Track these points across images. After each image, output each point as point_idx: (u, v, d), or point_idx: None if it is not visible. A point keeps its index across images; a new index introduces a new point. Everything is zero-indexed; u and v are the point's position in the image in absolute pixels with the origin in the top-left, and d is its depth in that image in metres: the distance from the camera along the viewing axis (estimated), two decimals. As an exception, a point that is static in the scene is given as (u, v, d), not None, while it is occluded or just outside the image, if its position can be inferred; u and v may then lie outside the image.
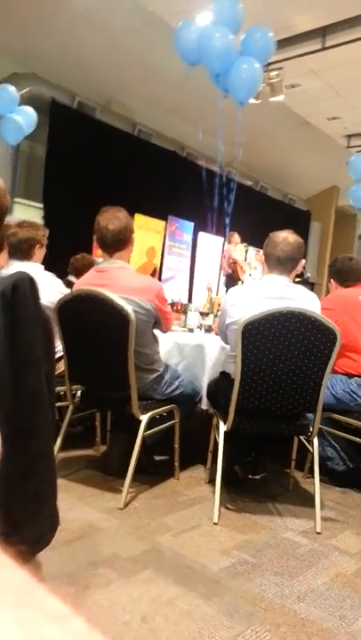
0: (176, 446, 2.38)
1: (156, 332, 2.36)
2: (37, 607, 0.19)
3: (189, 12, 4.89)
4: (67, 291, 2.49)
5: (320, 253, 11.32)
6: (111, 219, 2.23)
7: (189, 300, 6.08)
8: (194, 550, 1.72)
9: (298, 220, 10.33)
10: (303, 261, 2.36)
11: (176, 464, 2.39)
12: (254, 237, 8.03)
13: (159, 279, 7.86)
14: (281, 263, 2.20)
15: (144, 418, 2.12)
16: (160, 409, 2.26)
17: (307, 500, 2.26)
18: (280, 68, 5.79)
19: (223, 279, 6.76)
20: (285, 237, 2.21)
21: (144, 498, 2.14)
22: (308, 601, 1.48)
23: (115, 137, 7.18)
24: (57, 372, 2.67)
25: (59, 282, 2.71)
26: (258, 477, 2.45)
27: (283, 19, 5.26)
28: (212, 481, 2.30)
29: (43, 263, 2.72)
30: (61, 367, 2.44)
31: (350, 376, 2.54)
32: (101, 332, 2.11)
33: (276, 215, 9.16)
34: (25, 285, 1.28)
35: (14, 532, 1.19)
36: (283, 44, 5.45)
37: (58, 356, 2.66)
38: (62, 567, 1.52)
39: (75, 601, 1.34)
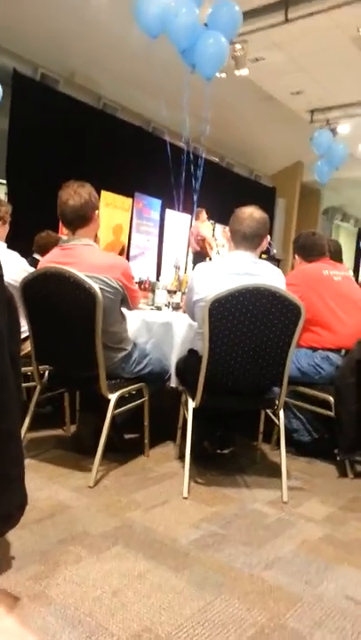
0: (145, 424, 2.40)
1: (124, 310, 2.34)
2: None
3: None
4: (31, 269, 2.43)
5: (285, 229, 11.42)
6: (72, 194, 2.17)
7: (157, 277, 6.06)
8: (164, 525, 1.75)
9: (263, 197, 10.35)
10: (268, 237, 2.37)
11: (146, 441, 2.41)
12: (221, 214, 8.00)
13: (127, 257, 7.79)
14: (247, 239, 2.20)
15: (113, 397, 2.12)
16: (129, 387, 2.26)
17: (274, 471, 2.32)
18: (244, 41, 5.71)
19: (191, 256, 6.75)
20: (251, 213, 2.21)
21: (114, 475, 2.15)
22: (275, 568, 1.53)
23: (79, 111, 6.98)
24: (23, 353, 2.63)
25: (23, 260, 2.65)
26: (226, 452, 2.49)
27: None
28: (181, 457, 2.33)
29: (6, 241, 2.65)
30: (28, 347, 2.41)
31: (315, 350, 2.59)
32: (68, 311, 2.08)
33: (242, 192, 9.14)
34: None
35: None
36: (246, 16, 5.36)
37: (24, 336, 2.62)
38: (33, 546, 1.52)
39: (45, 579, 1.35)
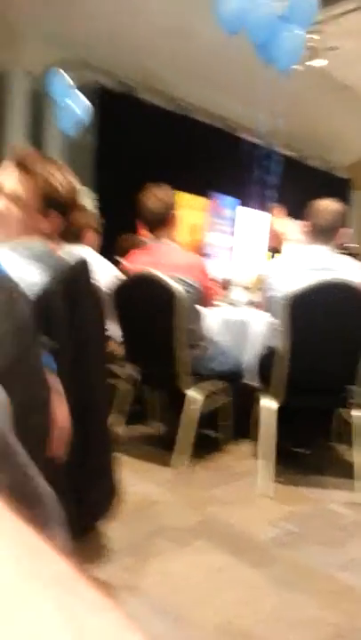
0: (226, 423, 2.49)
1: (200, 307, 2.43)
2: (79, 597, 0.18)
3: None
4: (122, 276, 2.59)
5: (361, 223, 10.92)
6: (151, 197, 2.30)
7: (233, 275, 6.10)
8: (243, 521, 1.85)
9: (338, 189, 9.98)
10: (350, 230, 2.33)
11: (225, 438, 2.51)
12: (295, 209, 7.85)
13: (203, 255, 7.88)
14: (323, 232, 2.19)
15: (192, 393, 2.22)
16: (207, 384, 2.34)
17: (351, 472, 2.33)
18: (319, 31, 5.55)
19: (268, 253, 6.72)
20: (327, 206, 2.21)
21: (196, 471, 2.28)
22: (351, 570, 1.58)
23: (154, 114, 7.13)
24: (116, 353, 2.81)
25: (114, 268, 2.82)
26: (304, 450, 2.53)
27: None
28: (259, 454, 2.40)
29: (96, 249, 2.81)
30: (111, 347, 2.56)
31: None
32: (153, 313, 2.21)
33: (318, 185, 8.88)
34: (84, 271, 1.37)
35: (78, 502, 1.32)
36: (321, 3, 5.21)
37: (110, 335, 2.80)
38: (124, 538, 1.68)
39: (136, 570, 1.49)
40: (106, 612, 0.18)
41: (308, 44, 5.46)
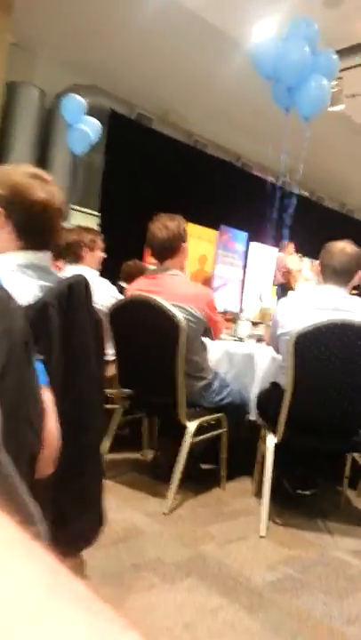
0: (223, 456, 2.35)
1: (206, 340, 2.35)
2: (103, 616, 0.19)
3: (247, 26, 4.91)
4: (120, 296, 2.52)
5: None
6: (161, 227, 2.24)
7: (240, 309, 6.03)
8: (239, 562, 1.68)
9: (356, 231, 10.05)
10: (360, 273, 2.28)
11: (223, 474, 2.36)
12: (309, 248, 7.87)
13: (210, 287, 7.85)
14: (337, 274, 2.14)
15: (191, 425, 2.11)
16: (207, 417, 2.24)
17: (359, 519, 2.17)
18: (340, 78, 5.70)
19: (276, 289, 6.68)
20: (343, 248, 2.16)
21: (189, 505, 2.12)
22: (358, 625, 1.41)
23: (171, 147, 7.28)
24: (109, 375, 2.71)
25: (113, 287, 2.75)
26: (307, 493, 2.37)
27: (344, 28, 5.19)
28: (258, 493, 2.25)
29: (97, 269, 2.76)
30: (111, 370, 2.47)
31: None
32: (152, 338, 2.12)
33: (332, 226, 8.95)
34: (80, 288, 1.31)
35: (62, 528, 1.20)
36: (343, 53, 5.37)
37: (108, 359, 2.70)
38: (106, 567, 1.52)
39: (117, 602, 1.33)
40: (129, 630, 0.19)
41: (330, 90, 5.60)
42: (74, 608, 0.18)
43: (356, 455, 2.23)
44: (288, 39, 4.25)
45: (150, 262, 4.14)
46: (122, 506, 2.01)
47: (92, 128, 5.45)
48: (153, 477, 2.33)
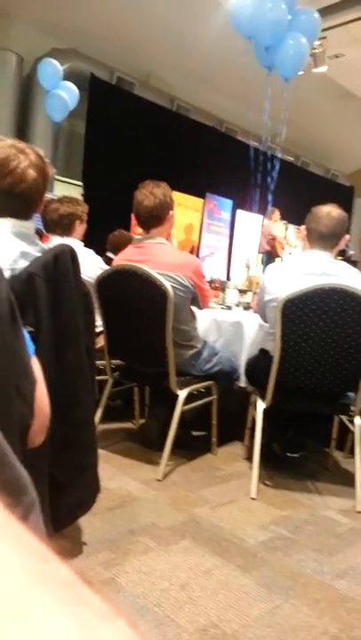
0: (213, 422, 2.39)
1: (194, 308, 2.35)
2: (89, 606, 0.18)
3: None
4: (106, 267, 2.50)
5: (364, 230, 10.96)
6: (147, 194, 2.20)
7: (228, 277, 6.03)
8: (231, 523, 1.73)
9: (340, 196, 9.99)
10: (347, 237, 2.28)
11: (214, 440, 2.40)
12: (294, 214, 7.81)
13: (197, 256, 7.81)
14: (323, 238, 2.14)
15: (182, 393, 2.13)
16: (198, 385, 2.26)
17: (347, 479, 2.23)
18: (323, 38, 5.56)
19: (262, 256, 6.67)
20: (329, 212, 2.14)
21: (182, 471, 2.16)
22: (347, 578, 1.47)
23: (153, 113, 7.09)
24: (97, 347, 2.71)
25: (98, 258, 2.73)
26: (296, 455, 2.43)
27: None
28: (249, 457, 2.30)
29: (82, 240, 2.74)
30: (101, 342, 2.47)
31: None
32: (140, 308, 2.11)
33: (317, 191, 8.88)
34: (66, 258, 1.30)
35: (58, 497, 1.22)
36: (326, 11, 5.22)
37: (98, 330, 2.70)
38: (103, 533, 1.56)
39: (115, 566, 1.37)
40: (115, 620, 0.18)
41: (312, 51, 5.47)
42: (58, 599, 0.17)
43: (343, 417, 2.27)
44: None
45: (136, 232, 4.09)
46: (116, 474, 2.05)
47: (69, 94, 5.29)
48: (145, 446, 2.36)
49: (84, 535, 1.53)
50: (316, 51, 5.61)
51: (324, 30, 5.45)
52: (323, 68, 5.82)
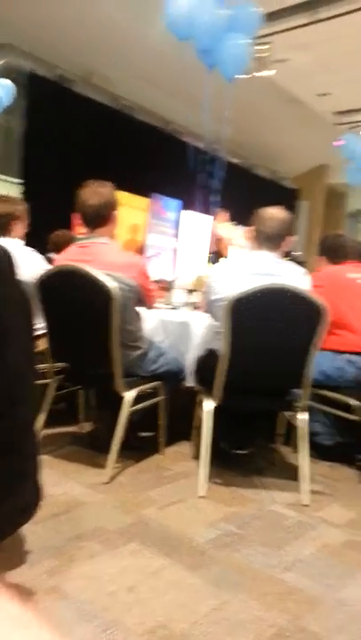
0: (161, 423, 2.37)
1: (140, 309, 2.32)
2: (3, 611, 0.18)
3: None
4: (48, 266, 2.43)
5: (309, 232, 11.29)
6: (92, 194, 2.16)
7: (174, 277, 6.03)
8: (180, 523, 1.71)
9: (286, 199, 10.25)
10: (293, 238, 2.33)
11: (161, 440, 2.38)
12: (242, 216, 7.91)
13: (143, 256, 7.78)
14: (269, 239, 2.17)
15: (129, 394, 2.10)
16: (145, 386, 2.24)
17: (293, 473, 2.26)
18: (269, 42, 5.67)
19: (209, 257, 6.73)
20: (274, 214, 2.18)
21: (129, 473, 2.13)
22: (295, 570, 1.49)
23: (96, 111, 7.01)
24: (39, 349, 2.63)
25: (40, 257, 2.65)
26: (244, 452, 2.45)
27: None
28: (197, 456, 2.29)
29: (23, 240, 2.66)
30: (43, 344, 2.40)
31: (338, 352, 2.54)
32: (84, 309, 2.06)
33: (264, 193, 9.04)
34: (2, 259, 1.24)
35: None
36: (272, 17, 5.32)
37: (39, 332, 2.62)
38: (48, 540, 1.50)
39: (60, 573, 1.32)
40: (30, 627, 0.18)
41: (257, 55, 5.57)
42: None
43: (288, 413, 2.31)
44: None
45: (79, 232, 4.02)
46: (61, 479, 1.99)
47: (4, 90, 5.13)
48: (92, 449, 2.31)
49: (27, 544, 1.47)
50: (262, 55, 5.71)
51: (270, 35, 5.56)
52: (268, 72, 5.93)
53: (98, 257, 2.13)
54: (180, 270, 7.40)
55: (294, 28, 5.55)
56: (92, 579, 1.33)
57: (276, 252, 2.18)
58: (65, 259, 2.23)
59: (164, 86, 7.14)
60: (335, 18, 5.33)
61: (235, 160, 9.21)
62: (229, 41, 4.38)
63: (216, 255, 6.32)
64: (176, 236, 8.19)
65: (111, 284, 1.99)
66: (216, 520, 1.77)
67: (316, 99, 7.74)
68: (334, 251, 2.74)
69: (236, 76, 4.61)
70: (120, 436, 2.04)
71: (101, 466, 2.10)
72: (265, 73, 5.79)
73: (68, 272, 2.06)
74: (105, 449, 2.13)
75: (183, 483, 2.07)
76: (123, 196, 7.23)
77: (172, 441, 2.50)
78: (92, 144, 6.71)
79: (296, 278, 2.12)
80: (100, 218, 2.19)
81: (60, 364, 2.31)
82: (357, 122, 8.21)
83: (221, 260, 5.78)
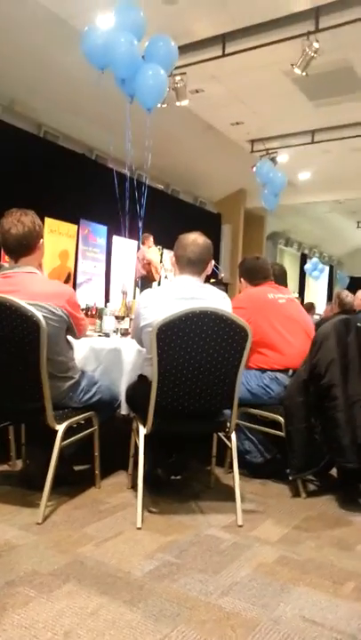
0: (96, 454, 2.34)
1: (71, 338, 2.30)
2: None
3: (90, 15, 4.85)
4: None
5: (232, 254, 11.69)
6: (15, 222, 2.12)
7: (105, 304, 6.01)
8: (117, 557, 1.69)
9: (209, 223, 10.58)
10: (213, 262, 2.40)
11: (97, 472, 2.35)
12: (168, 240, 8.06)
13: (74, 284, 7.70)
14: (191, 264, 2.23)
15: (60, 427, 2.06)
16: (77, 417, 2.20)
17: (228, 494, 2.30)
18: (183, 73, 5.90)
19: (138, 281, 6.76)
20: (195, 239, 2.25)
21: (64, 510, 2.07)
22: (231, 594, 1.51)
23: (19, 139, 6.94)
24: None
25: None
26: (180, 478, 2.46)
27: (183, 25, 5.37)
28: (134, 486, 2.28)
29: None
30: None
31: (263, 371, 2.63)
32: (10, 340, 2.01)
33: (188, 218, 9.30)
34: None
35: None
36: (185, 49, 5.56)
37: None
38: (-24, 592, 1.43)
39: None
40: None
41: (174, 85, 5.77)
42: None
43: (220, 434, 2.36)
44: (116, 29, 4.28)
45: (5, 261, 3.92)
46: (-9, 522, 1.90)
47: None
48: (24, 488, 2.23)
49: None
50: (178, 85, 5.92)
51: (184, 66, 5.79)
52: (184, 102, 6.16)
53: (23, 287, 2.09)
54: (111, 296, 7.37)
55: (206, 60, 5.82)
56: (25, 627, 1.28)
57: (198, 276, 2.25)
58: (-12, 290, 2.17)
59: (86, 114, 7.20)
60: (243, 52, 5.65)
61: (158, 186, 9.40)
62: (147, 72, 4.51)
63: (145, 279, 6.38)
64: (106, 261, 8.19)
65: (38, 314, 1.96)
66: (153, 551, 1.76)
67: (231, 127, 8.13)
68: (253, 273, 2.85)
69: (155, 106, 4.74)
70: (53, 472, 1.99)
71: (35, 505, 2.04)
72: (181, 102, 6.01)
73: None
74: (38, 486, 2.07)
75: (120, 515, 2.05)
76: (50, 223, 7.20)
77: (108, 472, 2.47)
78: (16, 172, 6.62)
79: (219, 301, 2.19)
80: (24, 247, 2.16)
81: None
82: (271, 149, 8.67)
83: (153, 284, 5.84)
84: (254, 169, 8.47)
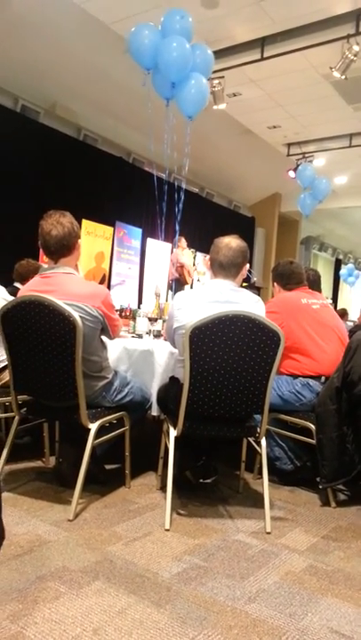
0: (127, 454, 2.36)
1: (104, 338, 2.33)
2: None
3: (133, 20, 4.91)
4: (10, 298, 2.42)
5: (265, 258, 11.62)
6: (55, 224, 2.18)
7: (139, 305, 6.06)
8: (145, 558, 1.71)
9: (243, 226, 10.54)
10: (247, 266, 2.40)
11: (127, 472, 2.37)
12: (202, 243, 8.08)
13: (108, 285, 7.79)
14: (224, 268, 2.23)
15: (93, 426, 2.09)
16: (109, 417, 2.24)
17: (257, 500, 2.29)
18: (222, 77, 5.91)
19: (171, 284, 6.80)
20: (228, 243, 2.25)
21: (94, 508, 2.11)
22: (258, 601, 1.51)
23: (60, 141, 7.08)
24: (1, 382, 2.59)
25: (2, 289, 2.64)
26: (209, 481, 2.46)
27: (223, 29, 5.38)
28: (163, 487, 2.30)
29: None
30: (6, 377, 2.38)
31: (295, 377, 2.61)
32: (47, 340, 2.06)
33: (222, 221, 9.30)
34: None
35: None
36: (223, 53, 5.57)
37: (2, 365, 2.59)
38: (10, 583, 1.47)
39: (23, 618, 1.30)
40: None
41: (212, 89, 5.78)
42: None
43: (250, 439, 2.35)
44: (165, 33, 4.29)
45: (45, 261, 4.01)
46: (25, 517, 1.95)
47: None
48: (56, 484, 2.28)
49: (-12, 587, 1.44)
50: (216, 89, 5.93)
51: (222, 70, 5.81)
52: (222, 106, 6.16)
53: (60, 287, 2.14)
54: (145, 298, 7.43)
55: (244, 64, 5.81)
56: (56, 622, 1.31)
57: (232, 279, 2.25)
58: (28, 289, 2.23)
59: (124, 118, 7.30)
60: (281, 55, 5.62)
61: (193, 189, 9.42)
62: (190, 81, 4.52)
63: (178, 282, 6.40)
64: (140, 263, 8.26)
65: (75, 314, 2.01)
66: (181, 553, 1.77)
67: (267, 131, 8.09)
68: (286, 277, 2.83)
69: (196, 114, 4.77)
70: (85, 470, 2.02)
71: (66, 502, 2.08)
72: (219, 106, 6.02)
73: (31, 302, 2.06)
74: (70, 484, 2.11)
75: (149, 516, 2.07)
76: (87, 225, 7.32)
77: (138, 472, 2.50)
78: (57, 174, 6.76)
79: (252, 305, 2.18)
80: (64, 248, 2.21)
81: (23, 397, 2.29)
82: (307, 153, 8.58)
83: (185, 287, 5.85)
84: (291, 173, 8.40)
